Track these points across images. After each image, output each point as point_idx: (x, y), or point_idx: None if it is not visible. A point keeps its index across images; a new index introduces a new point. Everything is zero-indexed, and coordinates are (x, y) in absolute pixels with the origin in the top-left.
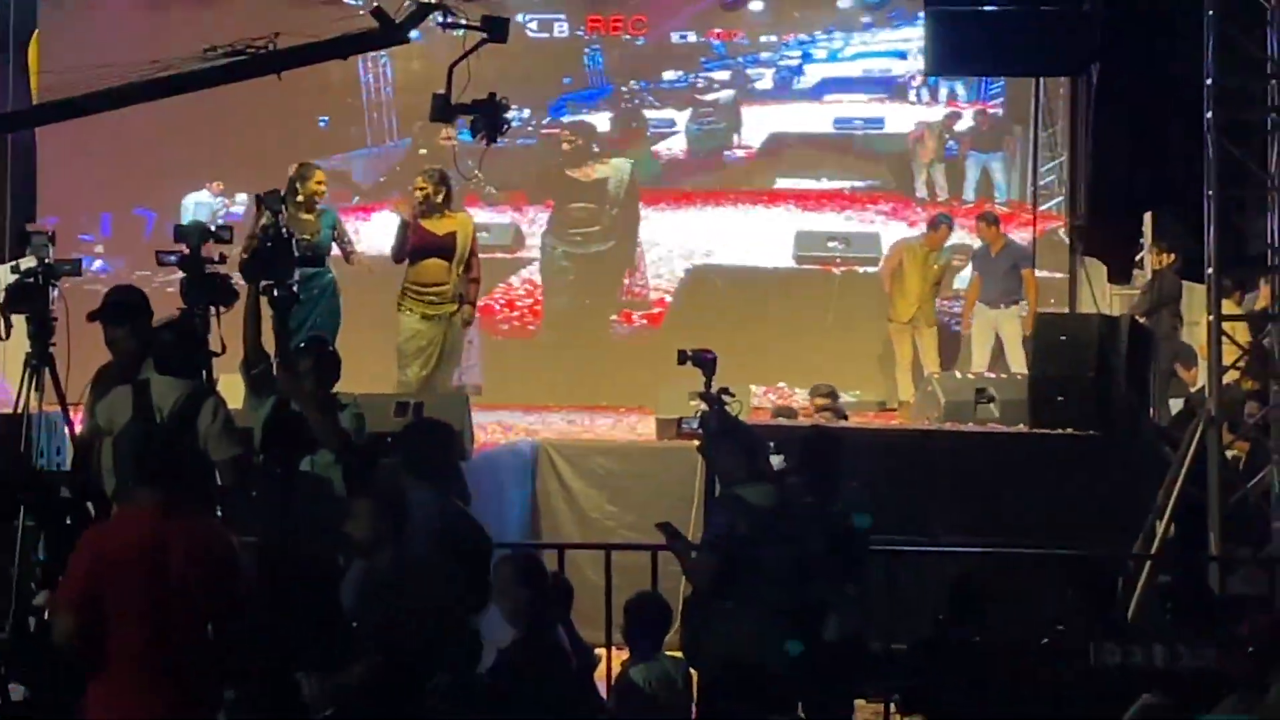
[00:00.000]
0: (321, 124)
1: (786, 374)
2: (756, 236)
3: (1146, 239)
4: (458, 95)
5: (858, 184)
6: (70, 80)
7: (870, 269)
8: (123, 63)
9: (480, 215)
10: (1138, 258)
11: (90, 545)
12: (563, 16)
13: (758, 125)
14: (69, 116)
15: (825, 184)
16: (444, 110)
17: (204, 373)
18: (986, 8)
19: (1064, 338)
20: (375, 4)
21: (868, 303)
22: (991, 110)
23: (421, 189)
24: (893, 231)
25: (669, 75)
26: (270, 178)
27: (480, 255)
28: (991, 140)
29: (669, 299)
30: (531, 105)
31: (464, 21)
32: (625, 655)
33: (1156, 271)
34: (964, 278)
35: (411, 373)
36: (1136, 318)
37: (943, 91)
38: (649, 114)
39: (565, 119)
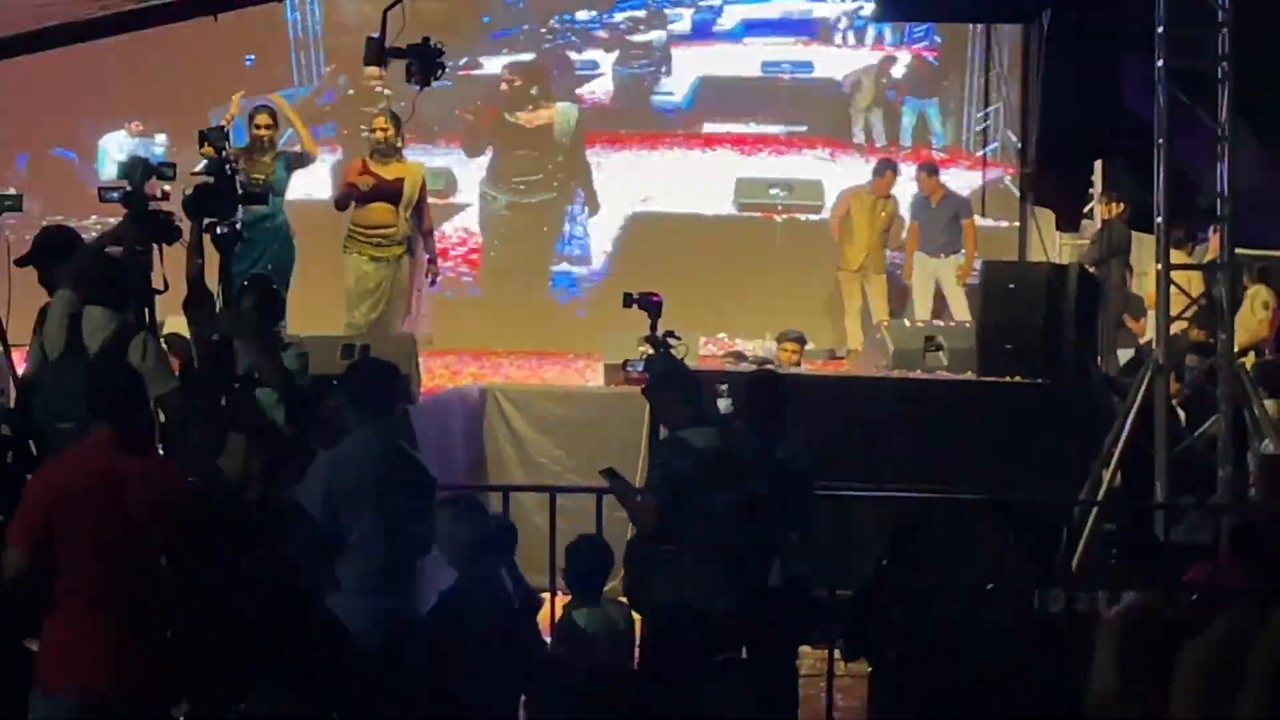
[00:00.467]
0: (248, 62)
1: (729, 324)
2: (695, 183)
3: (1096, 188)
4: (392, 39)
5: (794, 129)
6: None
7: (812, 216)
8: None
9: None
10: (1087, 208)
11: (43, 479)
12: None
13: (684, 68)
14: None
15: (758, 129)
16: (378, 54)
17: (145, 309)
18: None
19: (1012, 286)
20: None
21: (812, 251)
22: (928, 56)
23: (383, 130)
24: (834, 177)
25: (583, 15)
26: (191, 118)
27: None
28: (928, 86)
29: (609, 248)
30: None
31: None
32: (568, 599)
33: (1106, 221)
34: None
35: (359, 315)
36: (1086, 267)
37: (869, 34)
38: (574, 55)
39: (503, 59)
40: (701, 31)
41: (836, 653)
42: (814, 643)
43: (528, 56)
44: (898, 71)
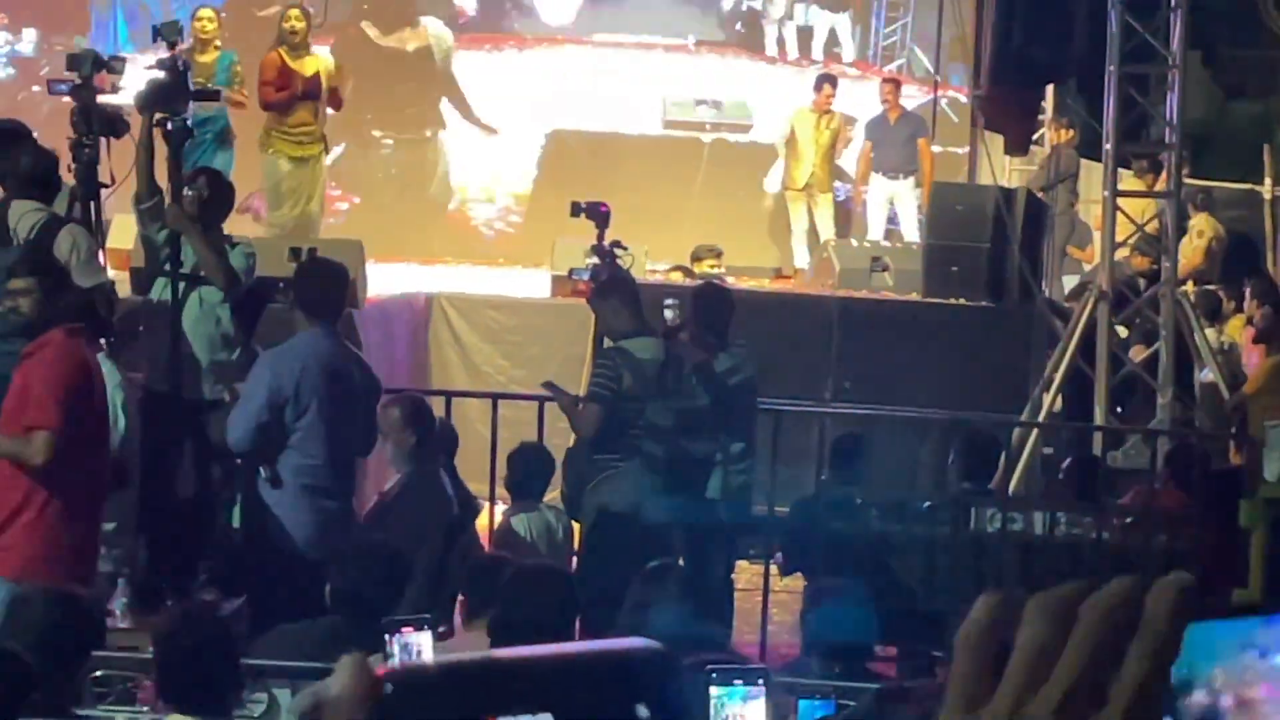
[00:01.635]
0: None
1: (669, 246)
2: (614, 96)
3: (1047, 114)
4: None
5: (699, 38)
6: None
7: (741, 137)
8: None
9: None
10: (1037, 134)
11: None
12: None
13: None
14: None
15: (659, 39)
16: None
17: (90, 203)
18: None
19: (960, 208)
20: None
21: (747, 170)
22: None
23: (298, 22)
24: (757, 91)
25: None
26: (60, 6)
27: None
28: None
29: (534, 169)
30: None
31: None
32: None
33: (1055, 147)
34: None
35: (284, 212)
36: (1034, 192)
37: None
38: None
39: None
40: None
41: (773, 567)
42: (750, 557)
43: None
44: None
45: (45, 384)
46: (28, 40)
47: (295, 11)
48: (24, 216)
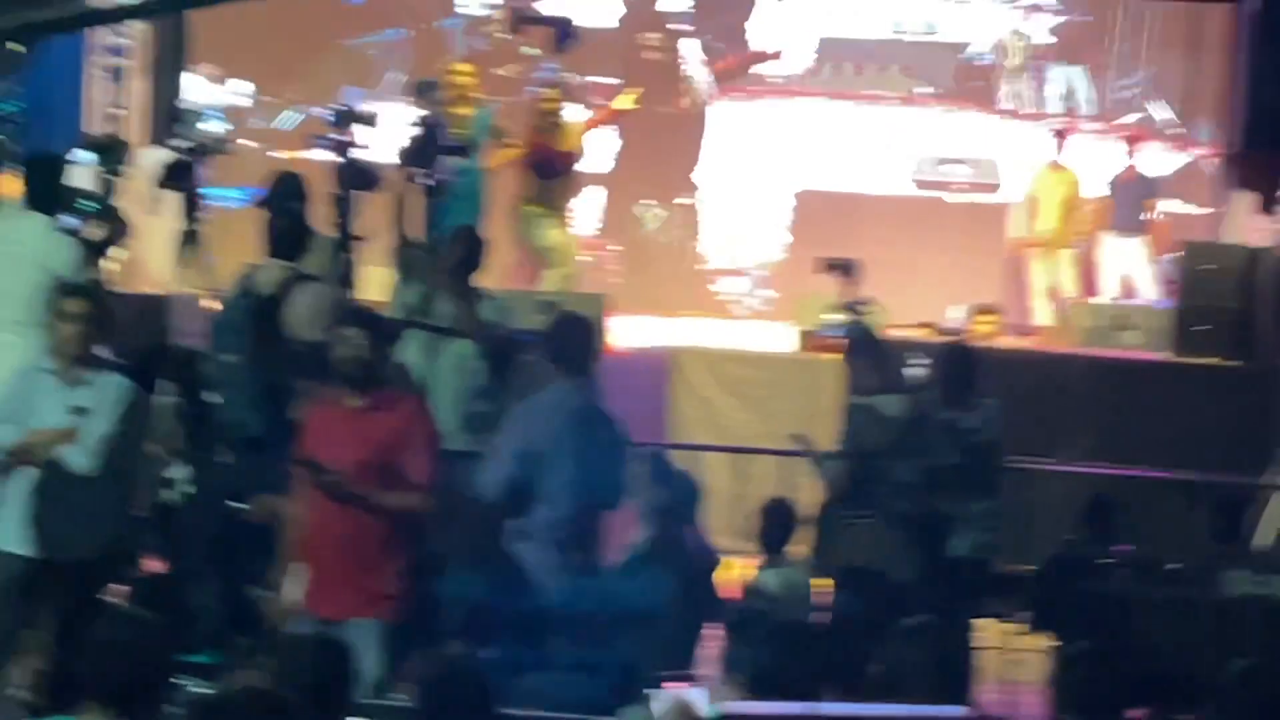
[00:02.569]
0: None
1: (918, 304)
2: (853, 152)
3: None
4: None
5: (928, 91)
6: None
7: (987, 196)
8: None
9: None
10: None
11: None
12: None
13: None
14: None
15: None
16: (516, 21)
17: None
18: None
19: (1210, 267)
20: None
21: (993, 228)
22: (1073, 19)
23: (551, 104)
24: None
25: None
26: (274, 62)
27: None
28: (1075, 51)
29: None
30: None
31: None
32: (750, 561)
33: None
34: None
35: (570, 269)
36: None
37: None
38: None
39: None
40: None
41: (1014, 626)
42: (993, 615)
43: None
44: (1043, 34)
45: (427, 442)
46: (242, 93)
47: (551, 93)
48: (273, 274)
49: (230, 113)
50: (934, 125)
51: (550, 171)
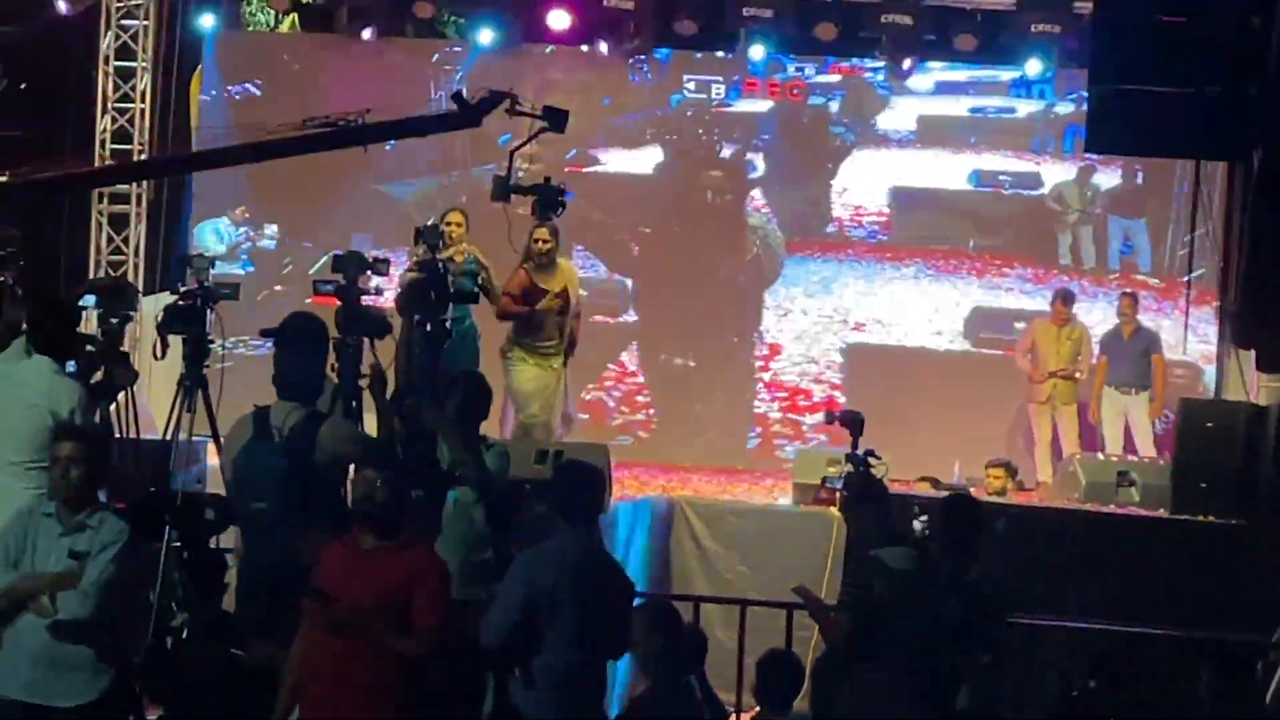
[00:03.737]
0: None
1: (919, 458)
2: (898, 307)
3: None
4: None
5: (985, 243)
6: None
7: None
8: (246, 126)
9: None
10: None
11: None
12: (720, 79)
13: (877, 178)
14: (193, 169)
15: (939, 245)
16: (503, 191)
17: (351, 401)
18: (1149, 88)
19: (1210, 424)
20: (456, 90)
21: (1001, 381)
22: (1135, 171)
23: (546, 243)
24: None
25: (747, 107)
26: (302, 205)
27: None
28: (1135, 204)
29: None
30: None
31: (528, 110)
32: (754, 714)
33: None
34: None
35: (534, 410)
36: None
37: (1071, 142)
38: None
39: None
40: (880, 135)
41: None
42: None
43: (655, 152)
44: (1103, 186)
45: (439, 587)
46: (269, 235)
47: (543, 232)
48: (288, 415)
49: (256, 255)
50: (990, 279)
51: (528, 318)
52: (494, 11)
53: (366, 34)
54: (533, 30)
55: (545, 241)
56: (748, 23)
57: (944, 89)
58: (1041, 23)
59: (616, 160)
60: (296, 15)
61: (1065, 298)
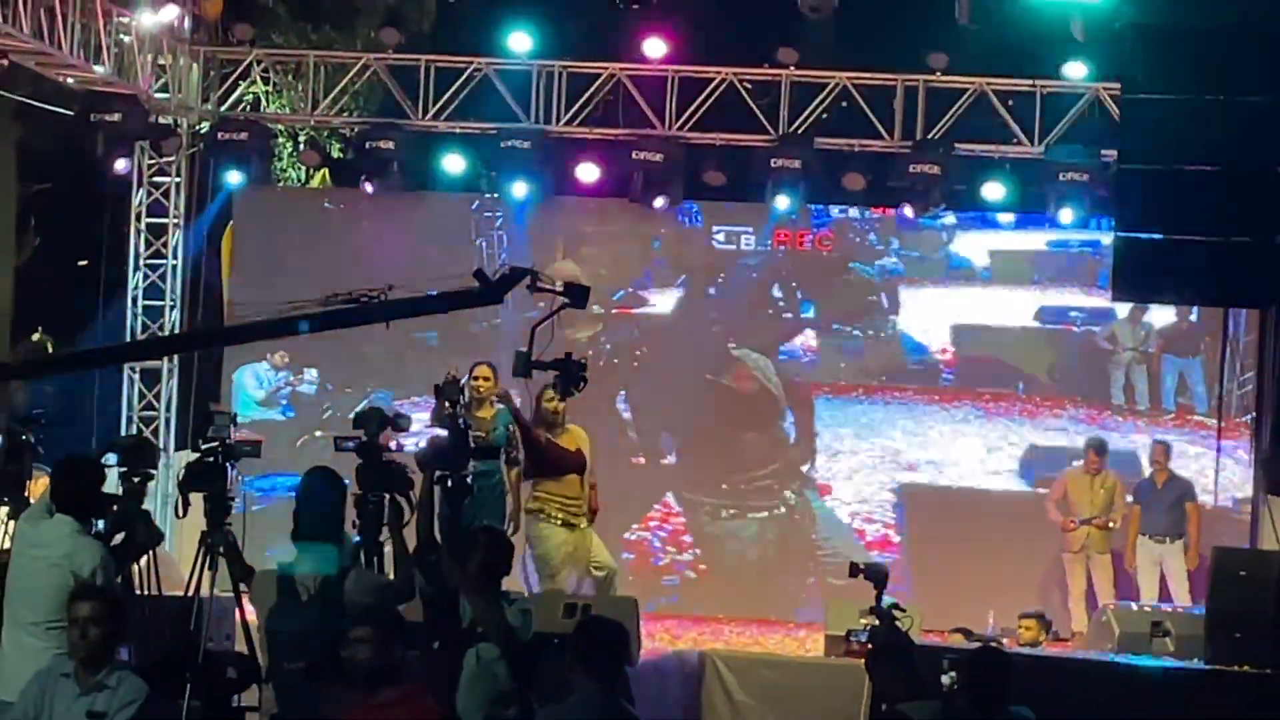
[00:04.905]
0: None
1: (958, 605)
2: (950, 447)
3: None
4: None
5: (1037, 384)
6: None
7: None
8: (271, 303)
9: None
10: None
11: None
12: (750, 229)
13: (931, 319)
14: (215, 345)
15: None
16: (525, 367)
17: (374, 555)
18: (1176, 236)
19: (1243, 574)
20: (477, 267)
21: (1037, 529)
22: (1188, 309)
23: (553, 403)
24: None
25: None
26: (342, 351)
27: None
28: (1189, 343)
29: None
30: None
31: (549, 287)
32: None
33: None
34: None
35: (561, 578)
36: None
37: None
38: (776, 294)
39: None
40: (939, 272)
41: None
42: None
43: (699, 294)
44: (1157, 324)
45: None
46: (309, 380)
47: (550, 393)
48: (310, 578)
49: (296, 399)
50: (1043, 420)
51: (551, 471)
52: (525, 165)
53: (385, 186)
54: (563, 183)
55: (553, 403)
56: (776, 174)
57: (1018, 224)
58: (1070, 171)
59: (663, 301)
60: (328, 170)
61: (1098, 447)
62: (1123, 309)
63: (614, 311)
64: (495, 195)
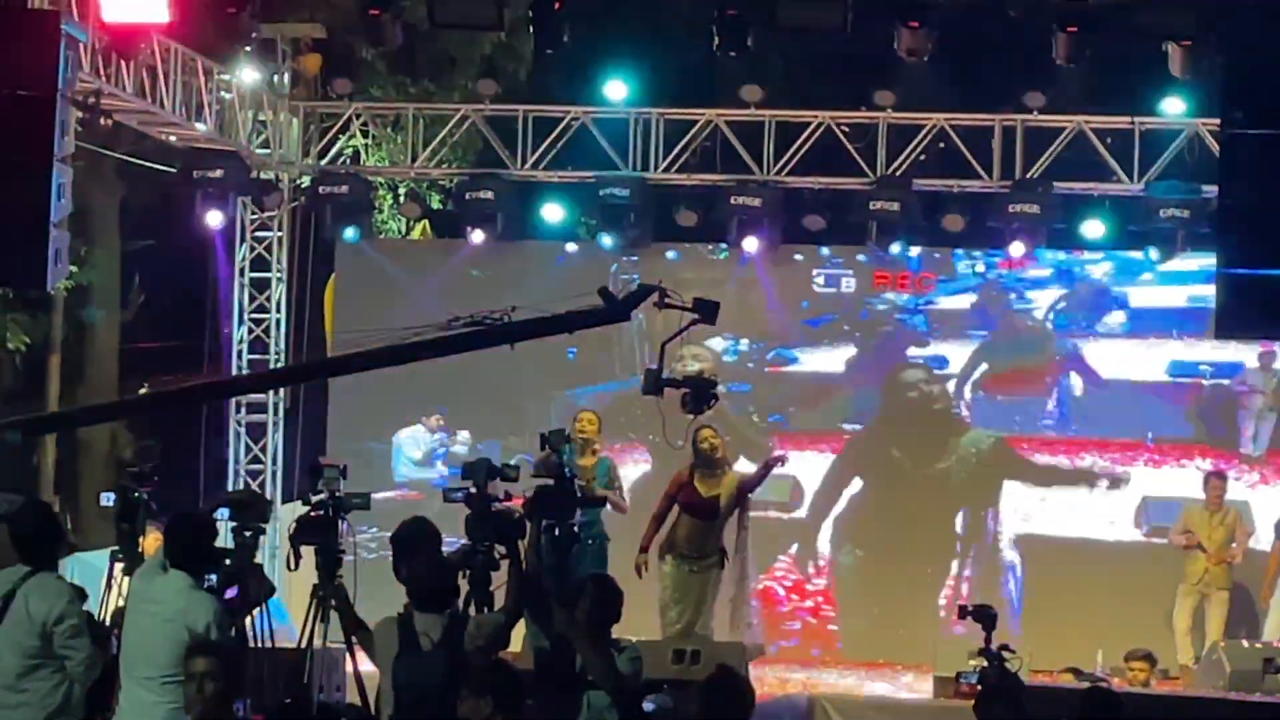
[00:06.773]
0: (569, 355)
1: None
2: (1072, 496)
3: None
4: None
5: (1169, 433)
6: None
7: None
8: (386, 329)
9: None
10: None
11: None
12: (850, 273)
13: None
14: (330, 375)
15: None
16: (655, 384)
17: (484, 606)
18: (1277, 271)
19: None
20: (601, 286)
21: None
22: None
23: (712, 443)
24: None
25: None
26: (497, 411)
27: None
28: None
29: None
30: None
31: (678, 303)
32: None
33: None
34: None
35: (672, 617)
36: None
37: None
38: (916, 352)
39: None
40: (1080, 326)
41: None
42: None
43: (849, 350)
44: None
45: None
46: (462, 441)
47: (709, 432)
48: (432, 624)
49: (453, 460)
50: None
51: (695, 514)
52: (624, 213)
53: (486, 236)
54: (661, 229)
55: (711, 442)
56: (875, 216)
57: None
58: (1170, 207)
59: (813, 360)
60: (428, 221)
61: (1220, 478)
62: (1251, 358)
63: (766, 370)
64: (592, 240)
